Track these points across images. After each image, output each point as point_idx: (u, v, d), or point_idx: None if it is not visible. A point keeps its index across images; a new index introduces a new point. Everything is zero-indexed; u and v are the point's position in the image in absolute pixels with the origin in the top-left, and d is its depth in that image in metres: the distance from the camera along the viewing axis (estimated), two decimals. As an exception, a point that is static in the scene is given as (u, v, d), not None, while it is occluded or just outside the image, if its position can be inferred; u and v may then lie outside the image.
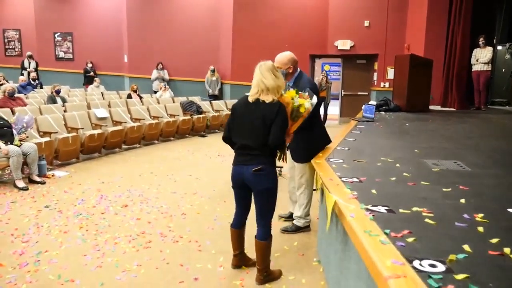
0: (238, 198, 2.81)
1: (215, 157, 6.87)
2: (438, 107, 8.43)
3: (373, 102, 8.72)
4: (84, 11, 13.26)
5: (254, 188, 2.65)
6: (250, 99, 2.63)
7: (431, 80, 7.52)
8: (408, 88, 7.08)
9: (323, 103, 11.18)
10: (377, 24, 10.59)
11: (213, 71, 11.70)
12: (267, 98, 2.64)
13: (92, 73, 12.53)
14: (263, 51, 11.44)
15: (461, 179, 2.57)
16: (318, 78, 11.01)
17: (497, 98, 9.25)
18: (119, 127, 6.93)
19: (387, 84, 10.90)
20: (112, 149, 6.89)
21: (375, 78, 11.24)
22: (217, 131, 9.67)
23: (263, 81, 2.62)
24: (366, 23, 10.69)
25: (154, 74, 12.03)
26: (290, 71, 3.43)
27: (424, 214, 1.90)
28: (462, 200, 2.11)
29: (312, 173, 3.62)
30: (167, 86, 10.96)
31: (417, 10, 9.46)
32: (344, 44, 10.98)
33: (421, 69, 7.24)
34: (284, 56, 3.45)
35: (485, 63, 8.00)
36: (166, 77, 12.08)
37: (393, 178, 2.56)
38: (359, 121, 5.59)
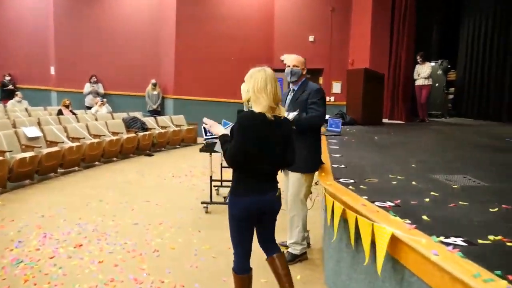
0: (248, 231, 2.29)
1: (170, 179, 6.20)
2: (386, 120, 8.65)
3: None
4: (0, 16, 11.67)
5: (272, 213, 2.35)
6: (269, 116, 2.13)
7: (383, 93, 7.70)
8: (363, 101, 7.13)
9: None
10: (322, 39, 10.76)
11: (154, 85, 10.92)
12: (282, 113, 2.24)
13: (11, 87, 10.96)
14: (208, 65, 11.06)
15: (492, 196, 2.38)
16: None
17: (433, 111, 9.83)
18: (55, 148, 5.92)
19: (332, 98, 11.07)
20: (47, 174, 5.86)
21: (320, 92, 11.35)
22: (163, 149, 8.93)
23: (278, 93, 2.20)
24: (311, 38, 10.80)
25: (87, 87, 10.89)
26: (304, 72, 3.13)
27: (508, 244, 1.61)
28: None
29: (309, 189, 3.25)
30: (104, 101, 9.94)
31: (360, 26, 9.75)
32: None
33: (374, 83, 7.36)
34: (300, 57, 3.20)
35: (425, 78, 8.44)
36: (101, 91, 11.00)
37: (427, 199, 2.28)
38: (324, 134, 5.40)
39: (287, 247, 3.31)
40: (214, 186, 5.33)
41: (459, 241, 1.64)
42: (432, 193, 2.42)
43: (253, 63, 10.22)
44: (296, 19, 10.79)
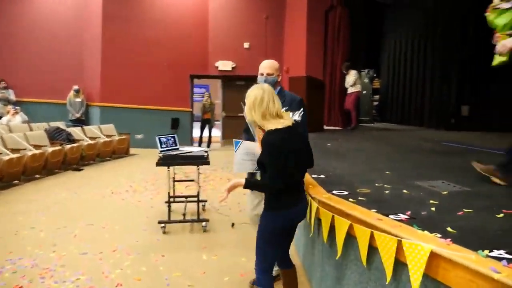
0: (282, 244, 2.31)
1: (109, 196, 5.55)
2: (324, 126, 8.89)
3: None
4: None
5: (299, 223, 2.38)
6: (284, 126, 2.08)
7: (324, 101, 7.89)
8: (307, 108, 7.20)
9: (207, 125, 10.69)
10: (257, 46, 10.75)
11: (77, 91, 9.88)
12: (288, 118, 2.19)
13: None
14: (139, 70, 10.34)
15: (484, 201, 2.43)
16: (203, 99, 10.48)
17: (362, 117, 10.40)
18: (-37, 167, 4.92)
19: (268, 105, 11.09)
20: (-46, 198, 4.84)
21: (256, 99, 11.31)
22: (93, 162, 8.06)
23: (277, 103, 2.16)
24: (246, 45, 10.73)
25: (-6, 94, 9.45)
26: (279, 79, 2.90)
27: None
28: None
29: None
30: (17, 109, 8.67)
31: (295, 35, 9.93)
32: (225, 65, 10.76)
33: (316, 90, 7.52)
34: (274, 62, 2.97)
35: (351, 86, 8.80)
36: (12, 97, 9.63)
37: (433, 209, 2.24)
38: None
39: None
40: (166, 202, 4.89)
41: (504, 254, 1.58)
42: (431, 201, 2.40)
43: (187, 69, 9.90)
44: (231, 26, 10.64)
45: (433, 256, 1.64)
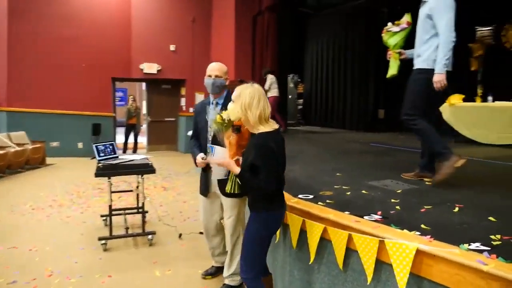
0: (268, 245, 2.26)
1: (30, 213, 4.90)
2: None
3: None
4: None
5: None
6: (275, 129, 2.11)
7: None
8: None
9: (132, 131, 10.13)
10: (183, 48, 10.47)
11: (-24, 94, 8.61)
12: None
13: None
14: (53, 71, 9.38)
15: (436, 197, 2.62)
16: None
17: (289, 121, 10.77)
18: None
19: (196, 109, 10.87)
20: None
21: (183, 103, 11.03)
22: (3, 175, 7.05)
23: (268, 106, 2.13)
24: (172, 47, 10.39)
25: None
26: (227, 83, 2.81)
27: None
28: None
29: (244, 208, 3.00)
30: None
31: (222, 39, 9.91)
32: (150, 68, 10.29)
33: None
34: (223, 65, 2.88)
35: (267, 90, 8.98)
36: None
37: (398, 207, 2.36)
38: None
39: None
40: (102, 216, 4.48)
41: (481, 246, 1.71)
42: (392, 200, 2.53)
43: (108, 71, 9.34)
44: (156, 26, 10.19)
45: (416, 253, 1.73)
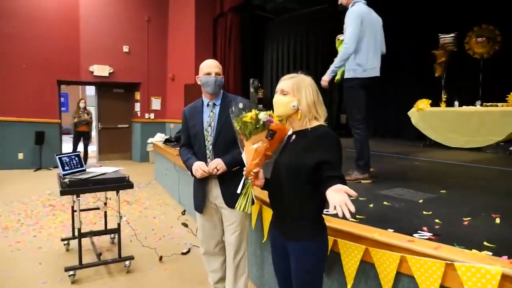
0: None
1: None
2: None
3: (161, 135, 7.92)
4: None
5: None
6: None
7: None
8: None
9: (82, 139, 9.21)
10: (138, 50, 9.79)
11: None
12: None
13: None
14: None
15: (465, 207, 2.45)
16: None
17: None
18: None
19: (152, 115, 10.23)
20: None
21: (137, 109, 10.30)
22: None
23: None
24: (126, 49, 9.67)
25: None
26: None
27: None
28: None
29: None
30: None
31: (181, 40, 9.40)
32: (102, 70, 9.47)
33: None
34: (215, 60, 2.52)
35: None
36: None
37: (437, 220, 2.13)
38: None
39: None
40: (63, 240, 3.83)
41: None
42: (424, 212, 2.31)
43: (53, 73, 8.43)
44: (108, 25, 9.41)
45: (501, 279, 1.48)
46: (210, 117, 2.45)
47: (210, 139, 2.42)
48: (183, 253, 3.68)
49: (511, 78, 5.94)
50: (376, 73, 3.28)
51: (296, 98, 1.66)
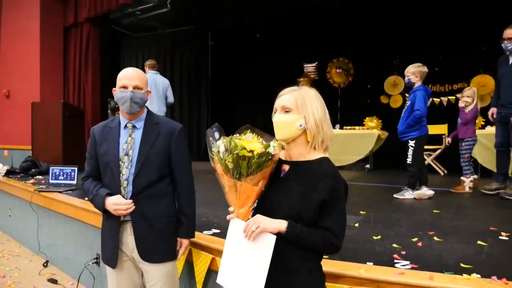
0: None
1: None
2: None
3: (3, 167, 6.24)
4: None
5: None
6: None
7: (85, 131, 6.53)
8: (64, 140, 5.84)
9: None
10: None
11: None
12: None
13: None
14: None
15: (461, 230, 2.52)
16: None
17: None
18: None
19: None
20: None
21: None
22: None
23: None
24: None
25: None
26: (148, 98, 1.99)
27: None
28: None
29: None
30: None
31: (18, 51, 7.72)
32: None
33: (75, 119, 6.18)
34: (142, 72, 1.99)
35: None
36: None
37: (416, 243, 2.09)
38: (59, 191, 3.97)
39: None
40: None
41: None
42: (374, 237, 2.25)
43: None
44: None
45: None
46: (128, 143, 1.85)
47: (125, 172, 1.82)
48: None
49: (363, 105, 6.86)
50: None
51: (301, 115, 1.33)
